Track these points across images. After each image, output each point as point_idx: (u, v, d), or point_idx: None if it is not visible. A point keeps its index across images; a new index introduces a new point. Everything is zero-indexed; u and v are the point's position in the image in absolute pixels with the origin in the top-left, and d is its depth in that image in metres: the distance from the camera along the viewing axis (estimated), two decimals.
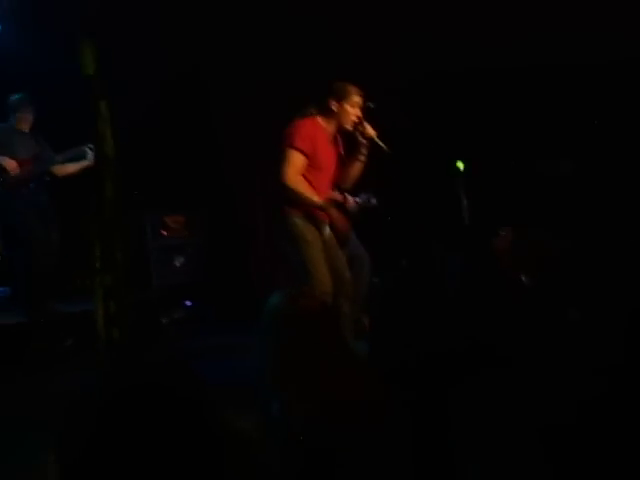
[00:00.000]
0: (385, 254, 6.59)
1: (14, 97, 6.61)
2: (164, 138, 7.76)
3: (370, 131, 4.88)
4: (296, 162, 4.70)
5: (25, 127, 6.64)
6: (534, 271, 3.65)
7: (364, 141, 4.91)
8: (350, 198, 6.15)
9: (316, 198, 4.75)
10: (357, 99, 4.84)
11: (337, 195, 5.96)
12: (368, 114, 4.93)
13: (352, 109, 4.83)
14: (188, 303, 7.53)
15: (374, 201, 6.30)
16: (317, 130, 4.82)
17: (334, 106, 4.81)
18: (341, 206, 5.85)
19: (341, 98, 4.81)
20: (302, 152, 4.71)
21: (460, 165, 7.04)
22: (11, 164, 6.38)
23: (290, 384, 2.15)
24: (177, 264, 7.68)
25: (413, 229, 7.59)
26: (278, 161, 4.73)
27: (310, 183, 4.81)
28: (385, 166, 5.59)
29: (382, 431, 2.08)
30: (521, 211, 7.13)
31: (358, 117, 4.85)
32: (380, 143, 4.89)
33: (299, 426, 2.06)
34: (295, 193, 4.71)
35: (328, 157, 4.91)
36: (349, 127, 4.87)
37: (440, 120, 7.68)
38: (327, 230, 4.94)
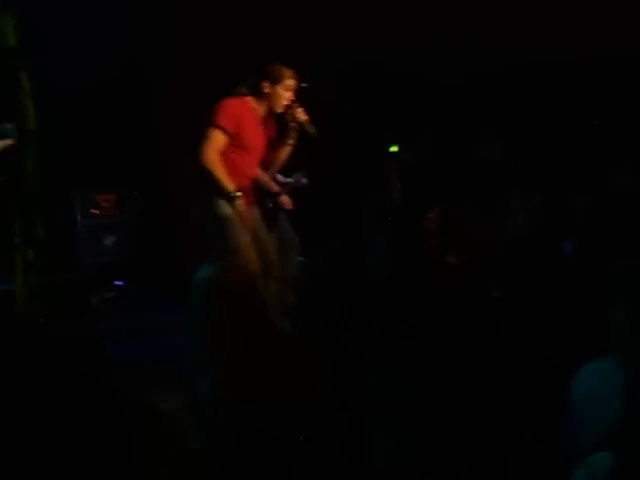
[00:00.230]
0: (317, 235, 6.60)
1: None
2: (99, 117, 7.64)
3: (301, 116, 4.86)
4: (216, 140, 4.66)
5: None
6: (459, 251, 3.68)
7: (295, 125, 4.90)
8: (276, 182, 6.13)
9: (229, 184, 4.68)
10: (291, 83, 4.80)
11: (264, 176, 5.94)
12: (301, 94, 4.91)
13: (285, 93, 4.80)
14: (118, 283, 7.44)
15: (304, 180, 6.30)
16: (244, 110, 4.78)
17: (267, 88, 4.77)
18: (273, 197, 5.85)
19: (275, 81, 4.77)
20: (224, 130, 4.67)
21: (394, 148, 7.10)
22: None
23: (219, 360, 2.12)
24: (107, 243, 7.56)
25: (344, 211, 7.62)
26: (200, 139, 4.69)
27: (235, 162, 4.78)
28: (317, 147, 5.59)
29: (310, 406, 2.08)
30: (454, 194, 7.22)
31: (290, 101, 4.83)
32: (310, 129, 4.87)
33: (229, 404, 2.05)
34: (210, 174, 4.67)
35: (255, 138, 4.86)
36: (280, 110, 4.85)
37: (375, 103, 7.71)
38: (254, 210, 4.95)
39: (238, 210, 4.72)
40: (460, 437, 1.34)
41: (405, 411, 1.36)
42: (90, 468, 1.11)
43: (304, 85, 5.02)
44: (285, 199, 6.09)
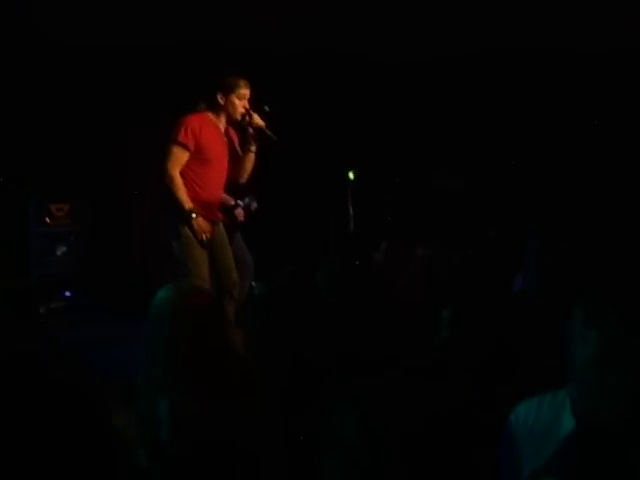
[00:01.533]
0: (269, 258, 6.62)
1: None
2: (55, 126, 7.60)
3: (258, 121, 4.91)
4: (176, 156, 4.74)
5: None
6: (412, 283, 3.72)
7: (253, 131, 4.95)
8: (240, 205, 6.15)
9: (186, 203, 4.75)
10: (244, 91, 4.87)
11: (228, 199, 5.96)
12: (264, 116, 4.96)
13: (239, 101, 4.87)
14: (67, 293, 7.39)
15: (255, 204, 6.33)
16: (204, 124, 4.84)
17: (221, 99, 4.85)
18: (228, 210, 5.87)
19: (228, 91, 4.85)
20: (184, 146, 4.75)
21: (351, 175, 7.16)
22: None
23: (180, 383, 2.14)
24: (59, 253, 7.51)
25: (298, 235, 7.65)
26: (161, 156, 4.76)
27: (199, 178, 4.84)
28: (275, 169, 5.60)
29: (262, 429, 2.10)
30: (406, 224, 7.30)
31: (245, 108, 4.88)
32: (268, 133, 4.93)
33: (188, 423, 2.06)
34: (169, 191, 4.74)
35: (218, 151, 4.92)
36: (238, 118, 4.90)
37: (334, 127, 7.78)
38: (218, 227, 5.00)
39: (195, 228, 4.77)
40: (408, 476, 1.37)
41: (354, 447, 1.39)
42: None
43: (266, 108, 5.08)
44: (240, 212, 6.12)
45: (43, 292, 7.07)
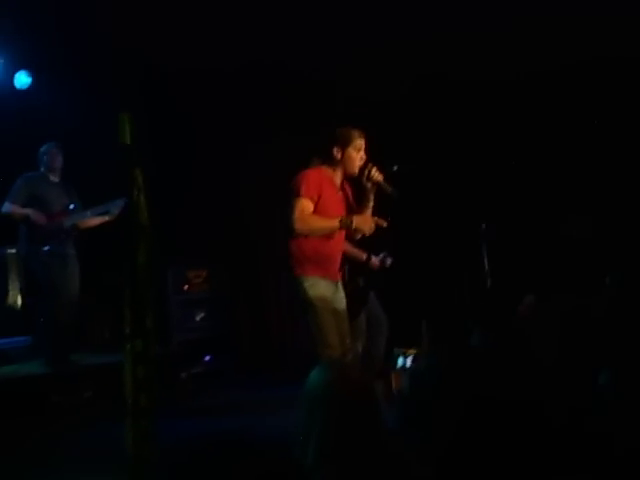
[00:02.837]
0: (403, 319, 6.54)
1: (44, 146, 6.71)
2: (188, 193, 7.86)
3: (376, 175, 4.69)
4: (303, 208, 4.54)
5: (55, 176, 6.72)
6: (561, 340, 3.59)
7: (371, 186, 4.74)
8: (374, 257, 6.15)
9: (331, 221, 4.59)
10: (360, 142, 4.70)
11: (360, 253, 5.95)
12: (391, 177, 4.78)
13: (356, 153, 4.69)
14: (207, 358, 7.52)
15: (389, 260, 6.29)
16: (323, 179, 4.68)
17: (338, 153, 4.68)
18: (360, 265, 5.86)
19: (344, 144, 4.68)
20: (309, 199, 4.56)
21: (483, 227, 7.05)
22: (40, 218, 6.43)
23: (333, 464, 2.13)
24: (197, 318, 7.69)
25: (432, 294, 7.52)
26: (286, 214, 4.58)
27: (320, 240, 4.67)
28: (406, 226, 5.50)
29: None
30: (544, 275, 7.11)
31: (363, 160, 4.70)
32: (387, 187, 4.70)
33: None
34: (310, 228, 4.58)
35: (336, 206, 4.75)
36: (355, 172, 4.73)
37: (464, 182, 7.70)
38: (339, 293, 4.79)
39: (359, 221, 4.61)
40: None
41: None
42: None
43: (395, 168, 4.98)
44: (375, 261, 6.07)
45: (184, 358, 7.26)
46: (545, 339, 3.75)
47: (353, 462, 2.12)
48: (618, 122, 7.54)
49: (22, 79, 7.38)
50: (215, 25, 6.80)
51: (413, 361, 6.00)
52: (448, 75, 7.40)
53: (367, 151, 4.74)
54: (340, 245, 4.87)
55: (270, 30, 6.79)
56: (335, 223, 4.60)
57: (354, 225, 4.61)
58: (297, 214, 4.52)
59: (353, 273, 5.58)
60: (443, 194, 7.58)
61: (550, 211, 7.92)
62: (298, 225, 4.54)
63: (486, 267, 6.66)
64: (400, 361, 6.11)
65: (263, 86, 7.66)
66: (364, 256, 5.99)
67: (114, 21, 6.76)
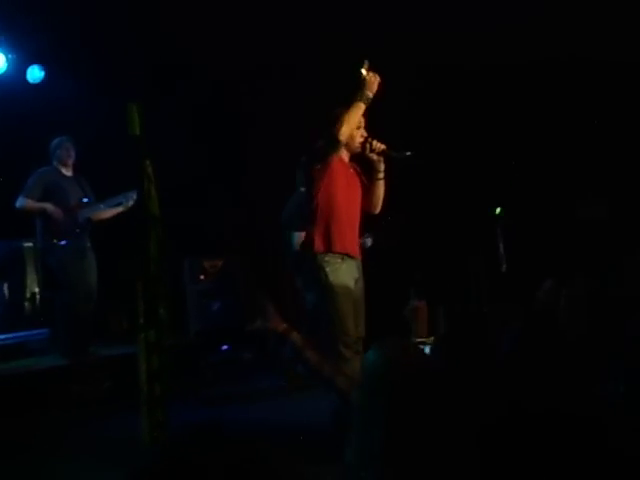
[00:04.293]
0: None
1: (55, 140, 6.73)
2: (204, 183, 7.87)
3: (380, 145, 4.67)
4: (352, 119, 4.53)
5: (68, 170, 6.75)
6: (585, 322, 3.52)
7: (377, 157, 4.72)
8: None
9: (355, 105, 4.53)
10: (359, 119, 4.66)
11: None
12: (400, 162, 4.73)
13: (356, 131, 4.65)
14: (225, 347, 7.54)
15: (370, 242, 6.29)
16: (336, 162, 4.69)
17: None
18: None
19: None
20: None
21: (498, 211, 7.00)
22: (57, 212, 6.47)
23: (395, 463, 1.90)
24: (214, 308, 7.70)
25: (449, 277, 7.50)
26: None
27: (336, 211, 4.65)
28: (421, 211, 5.47)
29: None
30: (562, 258, 7.06)
31: (363, 136, 4.68)
32: (393, 153, 4.67)
33: None
34: (347, 123, 4.51)
35: (351, 179, 4.77)
36: (358, 148, 4.71)
37: (478, 166, 7.67)
38: (359, 276, 4.73)
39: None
40: None
41: None
42: None
43: (408, 153, 4.93)
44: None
45: (201, 347, 7.28)
46: (573, 322, 3.68)
47: (414, 465, 1.89)
48: (634, 106, 7.47)
49: (35, 73, 7.41)
50: (226, 23, 6.82)
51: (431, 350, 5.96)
52: (464, 61, 7.36)
53: (367, 128, 4.70)
54: (355, 221, 4.81)
55: (271, 30, 6.82)
56: (357, 104, 4.53)
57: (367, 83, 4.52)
58: (337, 126, 4.48)
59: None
60: (458, 178, 7.54)
61: (565, 194, 7.87)
62: (340, 129, 4.49)
63: (501, 251, 6.62)
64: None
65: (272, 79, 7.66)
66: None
67: (126, 15, 6.78)
